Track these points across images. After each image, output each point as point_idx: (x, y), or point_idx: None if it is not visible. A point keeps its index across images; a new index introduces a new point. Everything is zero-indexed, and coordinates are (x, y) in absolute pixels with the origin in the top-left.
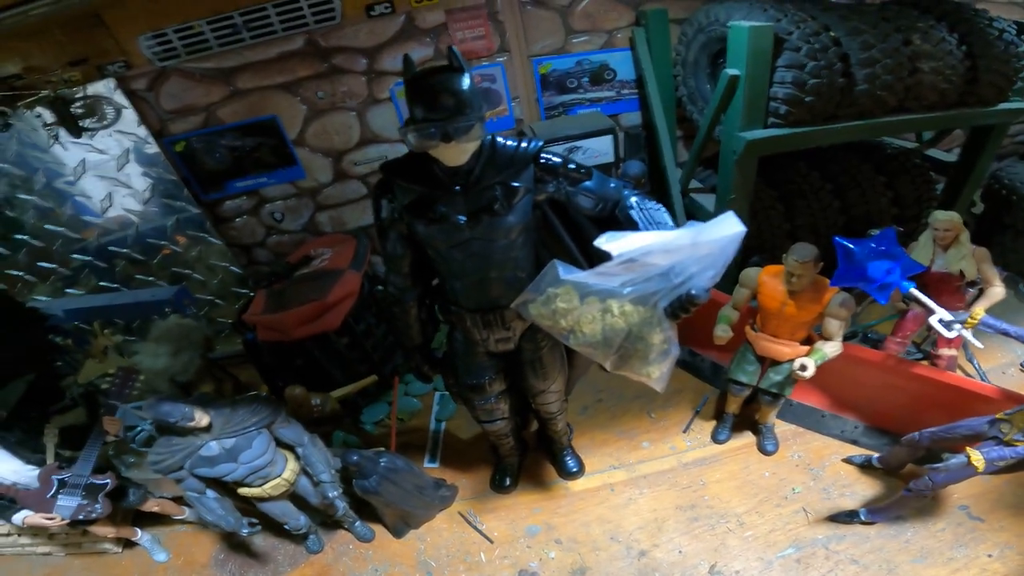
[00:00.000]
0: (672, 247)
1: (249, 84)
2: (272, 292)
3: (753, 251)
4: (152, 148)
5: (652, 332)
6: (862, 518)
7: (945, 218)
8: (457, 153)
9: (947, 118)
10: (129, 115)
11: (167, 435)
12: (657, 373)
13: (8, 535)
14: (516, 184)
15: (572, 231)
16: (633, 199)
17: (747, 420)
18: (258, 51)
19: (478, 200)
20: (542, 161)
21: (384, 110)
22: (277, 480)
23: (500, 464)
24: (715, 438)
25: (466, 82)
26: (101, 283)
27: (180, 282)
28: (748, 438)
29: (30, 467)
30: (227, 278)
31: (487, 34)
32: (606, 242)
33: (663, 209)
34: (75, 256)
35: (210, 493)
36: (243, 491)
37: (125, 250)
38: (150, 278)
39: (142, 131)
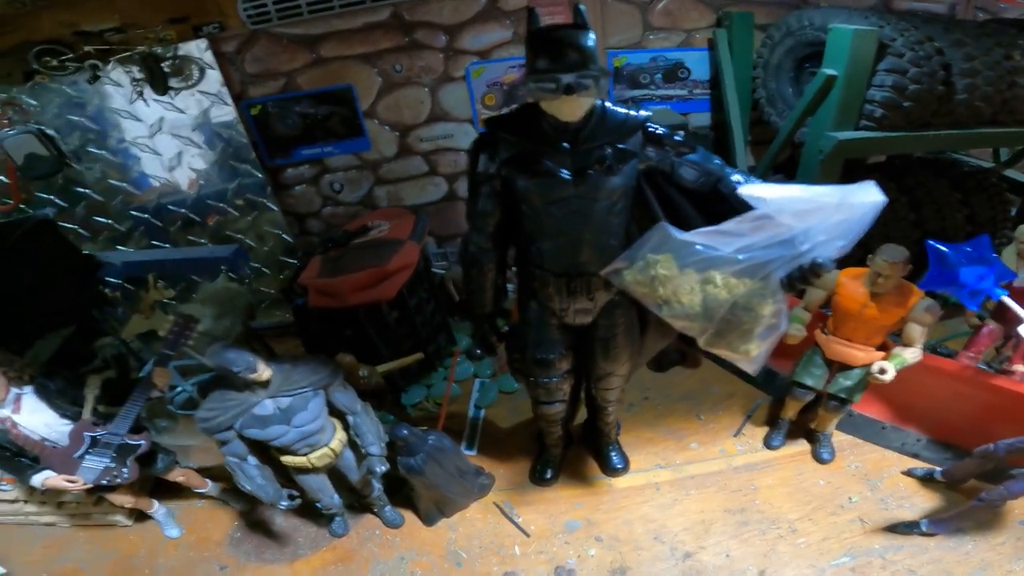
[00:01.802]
0: (814, 204)
1: (331, 52)
2: (328, 258)
3: None
4: (228, 110)
5: (763, 303)
6: (923, 529)
7: None
8: (574, 107)
9: None
10: (213, 76)
11: (221, 389)
12: (756, 350)
13: (13, 502)
14: (624, 147)
15: (667, 211)
16: (738, 175)
17: (801, 428)
18: (345, 20)
19: (586, 158)
20: (649, 129)
21: (457, 88)
22: (324, 450)
23: (543, 455)
24: (768, 443)
25: (591, 39)
26: (153, 242)
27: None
28: (802, 446)
29: (64, 421)
30: (277, 247)
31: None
32: (753, 188)
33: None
34: (133, 213)
35: (251, 460)
36: (286, 459)
37: (183, 211)
38: (202, 240)
39: (223, 93)
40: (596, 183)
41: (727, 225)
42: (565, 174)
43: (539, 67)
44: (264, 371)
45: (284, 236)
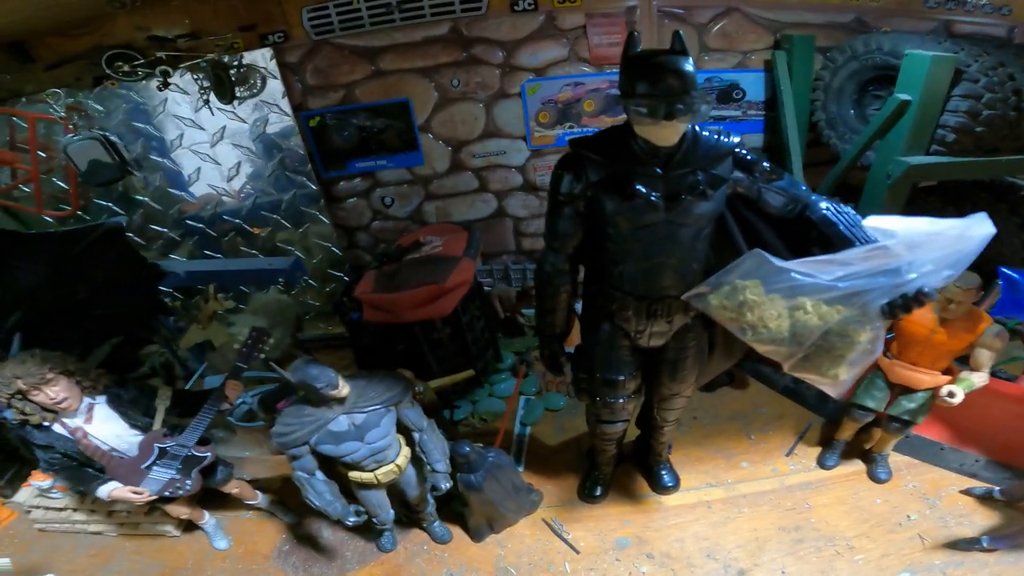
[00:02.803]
0: (932, 236)
1: (391, 66)
2: (382, 273)
3: None
4: (287, 121)
5: (860, 330)
6: (984, 545)
7: None
8: (671, 133)
9: None
10: (274, 86)
11: (299, 404)
12: (846, 375)
13: (62, 510)
14: (716, 172)
15: (747, 236)
16: (825, 202)
17: (856, 449)
18: (405, 33)
19: (679, 183)
20: (739, 155)
21: (512, 105)
22: (391, 466)
23: (593, 472)
24: (822, 464)
25: (691, 64)
26: (205, 251)
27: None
28: (857, 466)
29: (134, 432)
30: (324, 260)
31: (623, 42)
32: (882, 221)
33: (856, 214)
34: (188, 223)
35: (319, 475)
36: (354, 475)
37: (237, 221)
38: (253, 251)
39: (284, 103)
40: (687, 208)
41: (840, 255)
42: (657, 199)
43: (639, 91)
44: (344, 387)
45: (333, 249)
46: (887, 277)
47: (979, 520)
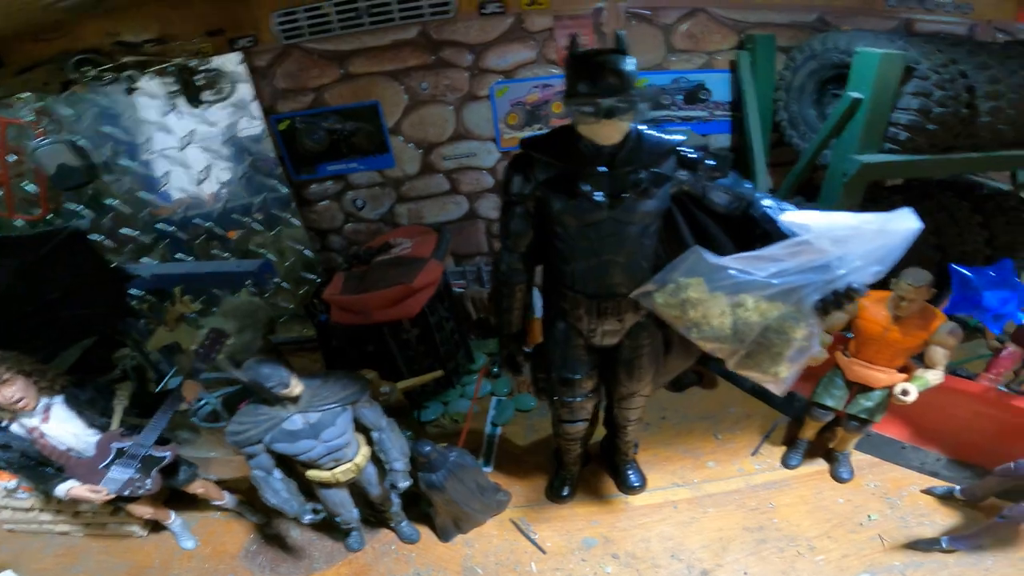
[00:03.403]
0: (854, 231)
1: (360, 69)
2: (351, 275)
3: None
4: (257, 124)
5: (796, 327)
6: (943, 546)
7: None
8: (612, 131)
9: None
10: (244, 90)
11: (253, 403)
12: (786, 372)
13: (29, 510)
14: (659, 170)
15: (696, 234)
16: (767, 199)
17: (820, 448)
18: (374, 36)
19: (622, 182)
20: (682, 153)
21: (481, 107)
22: (349, 464)
23: (560, 472)
24: (786, 463)
25: (631, 64)
26: (176, 255)
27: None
28: (820, 465)
29: (91, 431)
30: (297, 263)
31: (591, 43)
32: (796, 215)
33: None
34: (158, 226)
35: (276, 473)
36: (312, 474)
37: (208, 224)
38: (226, 254)
39: (254, 107)
40: (631, 206)
41: (767, 251)
42: (601, 197)
43: (579, 91)
44: (296, 386)
45: (305, 252)
46: (818, 273)
47: (940, 520)
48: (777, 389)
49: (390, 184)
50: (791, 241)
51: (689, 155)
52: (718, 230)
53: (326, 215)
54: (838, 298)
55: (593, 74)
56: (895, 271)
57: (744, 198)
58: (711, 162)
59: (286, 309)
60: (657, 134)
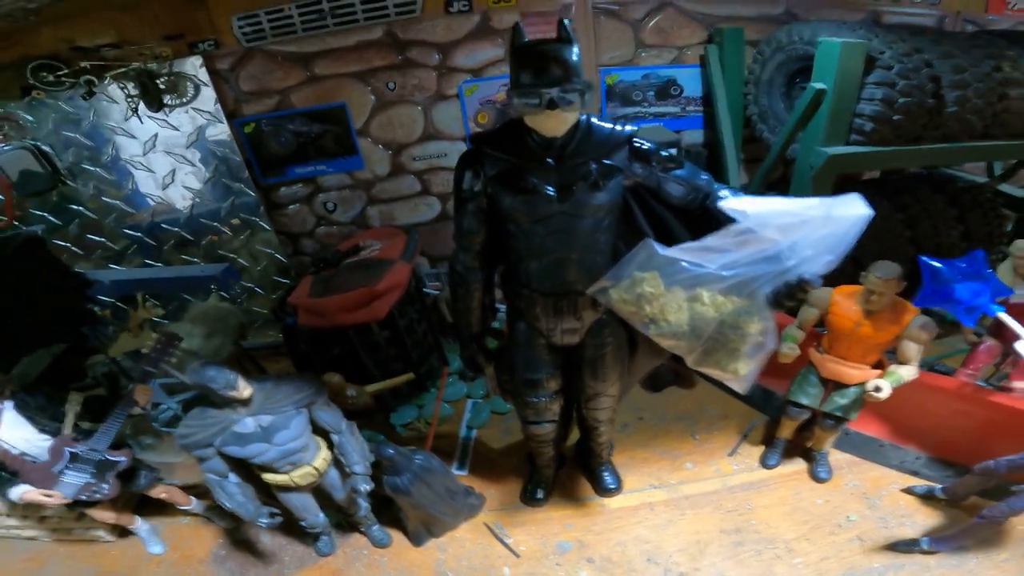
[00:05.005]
0: (799, 218)
1: (325, 71)
2: (319, 278)
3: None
4: (222, 128)
5: (750, 321)
6: (924, 547)
7: None
8: (557, 123)
9: None
10: (207, 93)
11: (202, 407)
12: (745, 369)
13: None
14: (610, 162)
15: (655, 229)
16: (725, 190)
17: (798, 447)
18: (339, 38)
19: (571, 174)
20: (635, 145)
21: (450, 106)
22: (307, 468)
23: (534, 475)
24: (764, 463)
25: (574, 53)
26: (147, 261)
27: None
28: (799, 465)
29: (43, 436)
30: (270, 267)
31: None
32: (735, 202)
33: None
34: (126, 232)
35: (232, 477)
36: (268, 477)
37: (176, 229)
38: (195, 260)
39: (217, 110)
40: (581, 200)
41: (710, 240)
42: (550, 190)
43: (522, 82)
44: (245, 389)
45: (278, 256)
46: (769, 264)
47: (920, 520)
48: (739, 387)
49: (360, 186)
50: (733, 228)
51: (642, 146)
52: (677, 224)
53: (297, 219)
54: (791, 290)
55: (536, 64)
56: (866, 265)
57: (701, 190)
58: (665, 153)
59: (260, 314)
60: (608, 125)
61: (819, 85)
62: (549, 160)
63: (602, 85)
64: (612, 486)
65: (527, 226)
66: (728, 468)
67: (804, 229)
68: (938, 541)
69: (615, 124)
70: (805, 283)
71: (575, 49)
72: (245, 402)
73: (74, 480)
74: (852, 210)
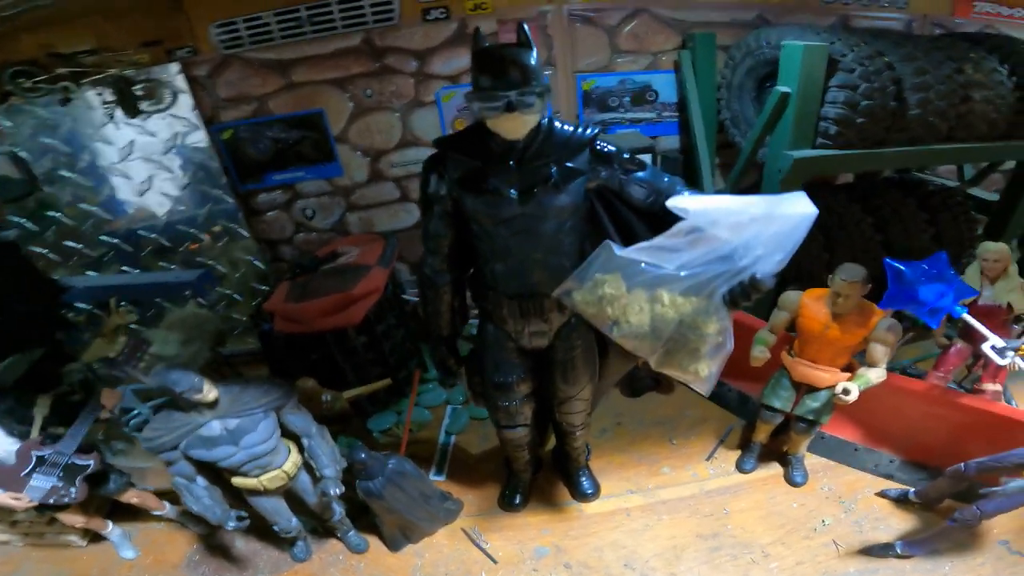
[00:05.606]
0: (745, 216)
1: (303, 77)
2: (296, 284)
3: (789, 280)
4: (200, 135)
5: (708, 321)
6: (898, 551)
7: (995, 249)
8: (517, 125)
9: (997, 149)
10: (185, 100)
11: (168, 410)
12: (706, 371)
13: None
14: (571, 165)
15: (621, 231)
16: (687, 193)
17: (774, 451)
18: (316, 45)
19: (532, 177)
20: (598, 147)
21: (427, 113)
22: (276, 472)
23: (511, 480)
24: (740, 467)
25: (532, 57)
26: (124, 268)
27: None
28: (775, 469)
29: (11, 440)
30: (249, 274)
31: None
32: (679, 200)
33: None
34: (103, 239)
35: (200, 481)
36: (237, 481)
37: (154, 235)
38: (172, 267)
39: (194, 117)
40: (542, 202)
41: (660, 240)
42: (511, 193)
43: (482, 85)
44: (210, 392)
45: (256, 263)
46: (723, 264)
47: (895, 524)
48: (702, 388)
49: (339, 193)
50: (680, 227)
51: (604, 149)
52: (642, 227)
53: (276, 225)
54: (745, 290)
55: (495, 68)
56: (831, 267)
57: (663, 192)
58: (627, 156)
59: (239, 321)
60: (570, 128)
61: (784, 89)
62: (511, 162)
63: (579, 91)
64: (589, 491)
65: (490, 228)
66: (705, 472)
67: (753, 227)
68: (912, 545)
69: (577, 127)
70: (758, 283)
71: (534, 53)
72: (211, 405)
73: (41, 484)
74: (796, 208)
